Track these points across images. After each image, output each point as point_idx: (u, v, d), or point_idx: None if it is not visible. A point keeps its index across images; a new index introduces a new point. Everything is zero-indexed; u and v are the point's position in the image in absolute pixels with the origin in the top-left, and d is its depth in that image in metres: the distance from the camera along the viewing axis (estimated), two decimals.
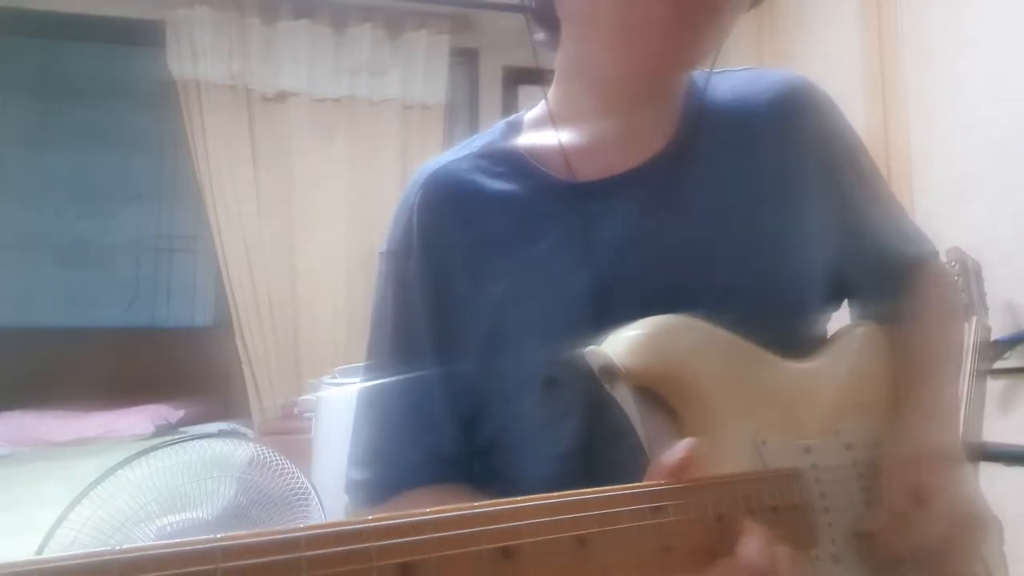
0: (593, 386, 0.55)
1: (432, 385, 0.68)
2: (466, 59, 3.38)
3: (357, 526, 0.34)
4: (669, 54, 0.59)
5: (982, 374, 1.41)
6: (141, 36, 2.95)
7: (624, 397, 0.54)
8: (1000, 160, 1.68)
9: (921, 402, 0.65)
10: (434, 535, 0.35)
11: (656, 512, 0.43)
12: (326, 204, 3.01)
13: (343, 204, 3.03)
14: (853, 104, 2.10)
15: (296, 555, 0.32)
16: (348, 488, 0.72)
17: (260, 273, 2.92)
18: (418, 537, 0.35)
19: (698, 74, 0.73)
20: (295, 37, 3.02)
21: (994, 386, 1.51)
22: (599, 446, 0.60)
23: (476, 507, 0.38)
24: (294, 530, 0.32)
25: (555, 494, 0.41)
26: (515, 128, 0.74)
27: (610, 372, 0.53)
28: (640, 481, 0.47)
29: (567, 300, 0.63)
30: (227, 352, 2.96)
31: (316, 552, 0.32)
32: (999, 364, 1.55)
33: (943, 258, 1.46)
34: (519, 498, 0.39)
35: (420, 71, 3.14)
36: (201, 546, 0.30)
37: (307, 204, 3.00)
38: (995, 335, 1.50)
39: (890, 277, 0.74)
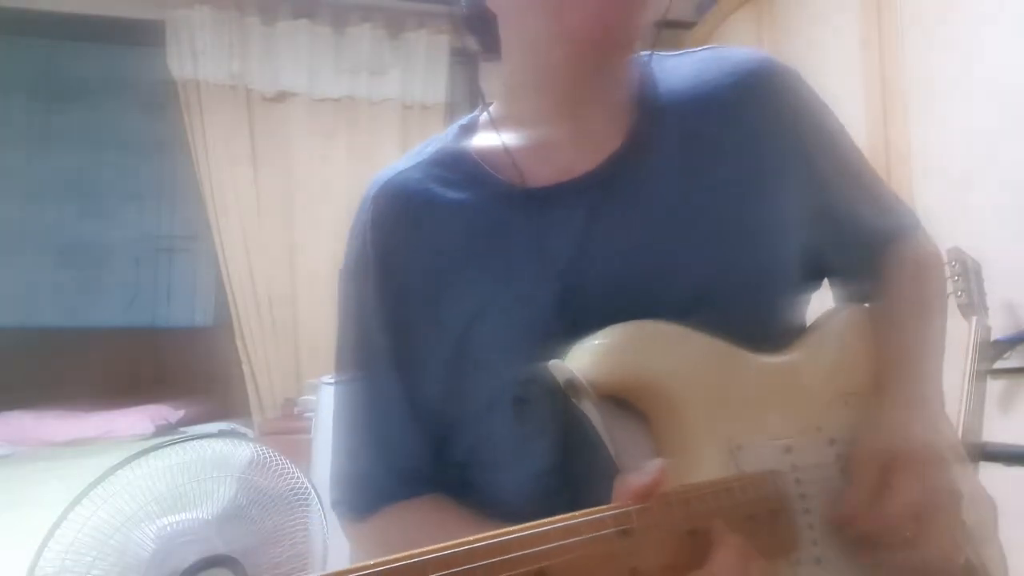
0: (564, 401, 0.54)
1: (394, 406, 0.67)
2: (466, 59, 3.38)
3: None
4: (605, 14, 0.58)
5: (982, 374, 1.41)
6: (141, 36, 2.95)
7: (590, 410, 0.52)
8: (1000, 160, 1.68)
9: (897, 386, 0.63)
10: None
11: (623, 535, 0.42)
12: (326, 204, 3.01)
13: (343, 204, 3.03)
14: (853, 104, 2.11)
15: None
16: (332, 506, 0.72)
17: (260, 273, 2.92)
18: None
19: (651, 60, 0.70)
20: (295, 37, 3.02)
21: (994, 386, 1.51)
22: (576, 461, 0.58)
23: (428, 552, 0.37)
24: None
25: (509, 529, 0.40)
26: (469, 131, 0.71)
27: (574, 386, 0.52)
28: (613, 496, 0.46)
29: (530, 315, 0.60)
30: (227, 352, 2.96)
31: None
32: (999, 364, 1.55)
33: (943, 258, 1.46)
34: (472, 537, 0.38)
35: (420, 71, 3.14)
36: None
37: (307, 204, 3.00)
38: (995, 335, 1.50)
39: (868, 254, 0.71)
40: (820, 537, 0.55)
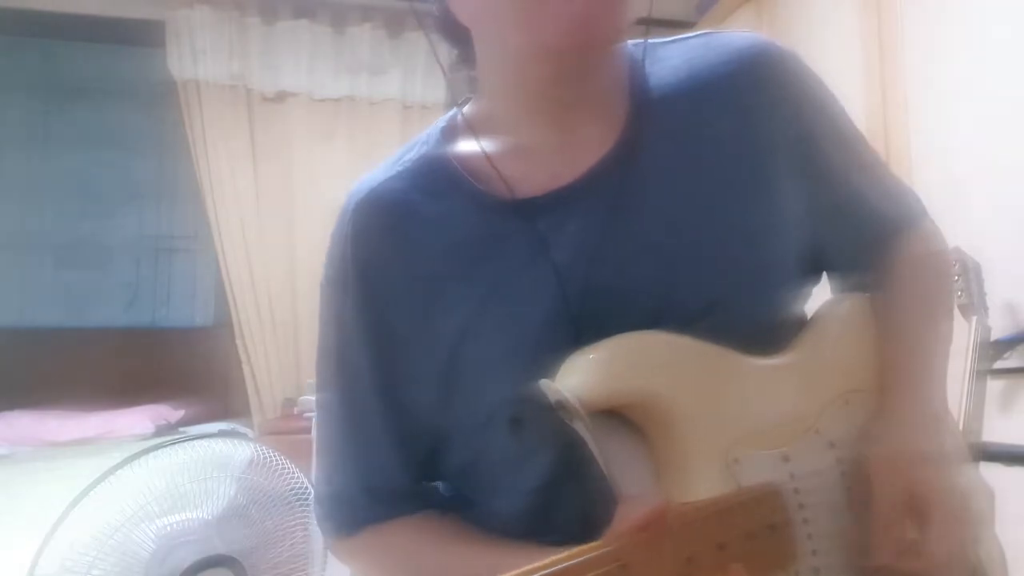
0: (560, 420, 0.52)
1: (372, 425, 0.64)
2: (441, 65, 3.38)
3: None
4: (584, 22, 0.53)
5: (982, 374, 1.41)
6: (141, 36, 2.95)
7: (583, 431, 0.50)
8: (1000, 159, 1.67)
9: (905, 391, 0.61)
10: None
11: (624, 570, 0.42)
12: (326, 204, 3.00)
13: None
14: (853, 103, 2.10)
15: None
16: (317, 522, 0.70)
17: (260, 273, 2.92)
18: None
19: (639, 50, 0.65)
20: (295, 37, 3.02)
21: (994, 386, 1.51)
22: (572, 479, 0.56)
23: None
24: None
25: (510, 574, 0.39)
26: (451, 134, 0.67)
27: (564, 407, 0.50)
28: (613, 514, 0.45)
29: (524, 330, 0.58)
30: (227, 352, 2.96)
31: None
32: (999, 364, 1.55)
33: None
34: None
35: (420, 71, 3.14)
36: None
37: (307, 204, 3.00)
38: (995, 335, 1.50)
39: (872, 246, 0.68)
40: (819, 547, 0.54)
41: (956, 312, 1.46)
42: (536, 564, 0.40)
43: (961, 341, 1.44)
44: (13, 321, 3.20)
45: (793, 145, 0.63)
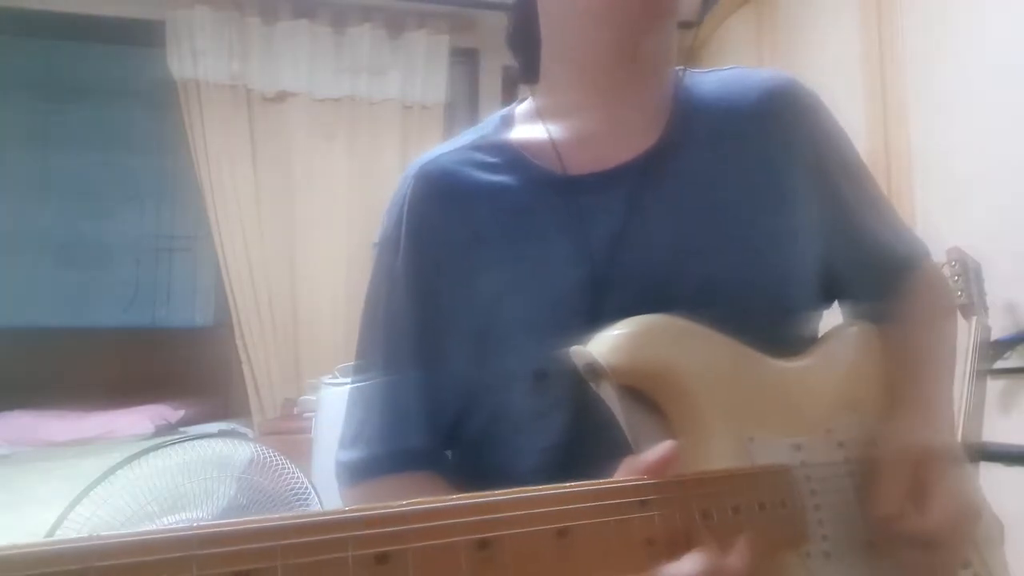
0: (582, 384, 0.55)
1: (410, 382, 0.68)
2: (466, 59, 3.38)
3: (336, 516, 0.34)
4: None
5: (982, 374, 1.41)
6: (141, 36, 2.95)
7: (609, 396, 0.54)
8: (1000, 160, 1.68)
9: (916, 400, 0.65)
10: (411, 526, 0.35)
11: (643, 506, 0.43)
12: (326, 204, 3.01)
13: (343, 204, 3.03)
14: (853, 104, 2.11)
15: (273, 544, 0.32)
16: (335, 468, 0.74)
17: (260, 273, 2.92)
18: (394, 528, 0.35)
19: (680, 73, 0.73)
20: (295, 37, 3.02)
21: (994, 386, 1.51)
22: (587, 440, 0.60)
23: (455, 499, 0.38)
24: (272, 518, 0.33)
25: (537, 488, 0.41)
26: (508, 122, 0.74)
27: (595, 371, 0.53)
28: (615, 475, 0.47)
29: (558, 295, 0.63)
30: (227, 352, 2.96)
31: (294, 541, 0.32)
32: (999, 364, 1.55)
33: (943, 258, 1.46)
34: (499, 491, 0.39)
35: (420, 71, 3.14)
36: (178, 534, 0.31)
37: (307, 204, 3.00)
38: (995, 335, 1.50)
39: (883, 278, 0.73)
40: (830, 532, 0.56)
41: (956, 312, 1.46)
42: (552, 485, 0.41)
43: (961, 341, 1.44)
44: (13, 321, 3.20)
45: (810, 172, 0.68)
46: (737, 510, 0.48)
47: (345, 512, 0.34)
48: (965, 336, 1.45)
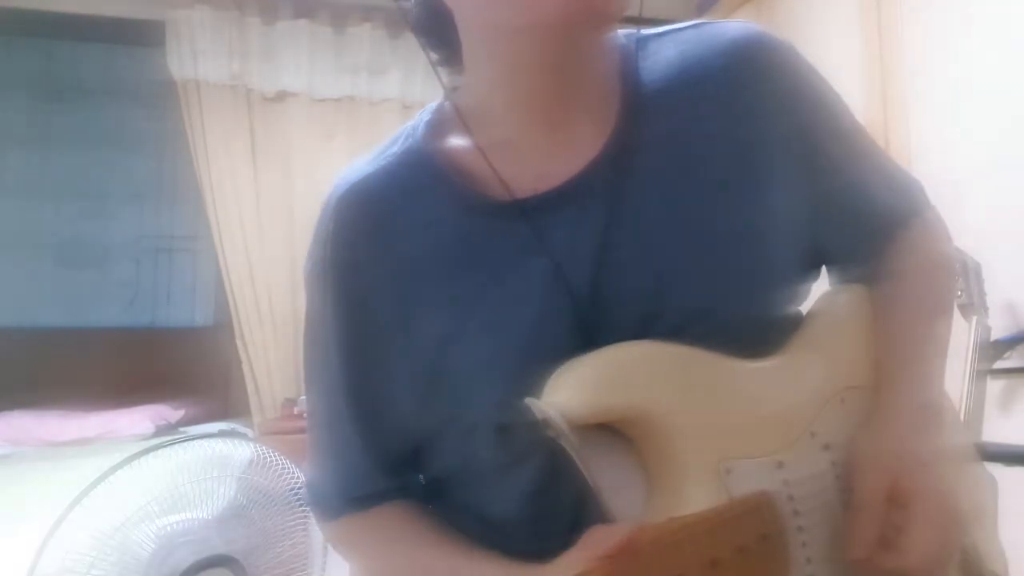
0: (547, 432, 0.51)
1: (345, 424, 0.64)
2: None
3: None
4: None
5: (982, 374, 1.41)
6: (141, 36, 2.95)
7: (570, 449, 0.49)
8: (1000, 160, 1.67)
9: (900, 388, 0.60)
10: None
11: None
12: None
13: None
14: (853, 100, 2.10)
15: None
16: (307, 504, 0.73)
17: (260, 273, 2.92)
18: None
19: (630, 43, 0.62)
20: (295, 37, 3.02)
21: (994, 386, 1.51)
22: (562, 486, 0.55)
23: None
24: None
25: None
26: (437, 129, 0.65)
27: (550, 425, 0.49)
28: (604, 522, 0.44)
29: (512, 335, 0.56)
30: (227, 352, 2.96)
31: None
32: (999, 364, 1.55)
33: None
34: None
35: (420, 71, 3.14)
36: None
37: (307, 204, 3.00)
38: (995, 335, 1.50)
39: (871, 237, 0.66)
40: (814, 554, 0.53)
41: (956, 312, 1.46)
42: None
43: (961, 341, 1.44)
44: (13, 321, 3.20)
45: (790, 139, 0.61)
46: (716, 564, 0.45)
47: None
48: (965, 336, 1.45)
